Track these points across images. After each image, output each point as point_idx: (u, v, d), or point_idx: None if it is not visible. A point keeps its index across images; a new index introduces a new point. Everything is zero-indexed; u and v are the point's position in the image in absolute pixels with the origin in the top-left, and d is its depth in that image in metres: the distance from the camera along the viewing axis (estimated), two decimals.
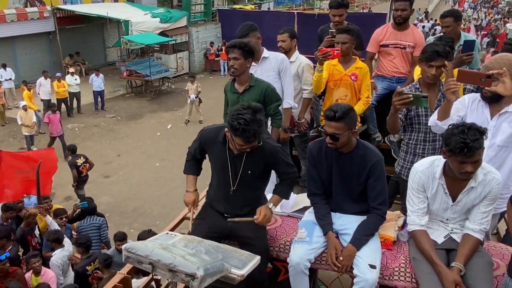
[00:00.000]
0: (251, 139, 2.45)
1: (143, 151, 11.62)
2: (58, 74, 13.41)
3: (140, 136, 12.62)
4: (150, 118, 14.31)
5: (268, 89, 3.40)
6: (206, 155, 2.89)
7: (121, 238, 5.55)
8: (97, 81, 14.11)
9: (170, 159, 10.98)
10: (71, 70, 14.21)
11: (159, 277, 2.04)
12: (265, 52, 3.85)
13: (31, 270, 5.04)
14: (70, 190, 9.50)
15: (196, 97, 13.17)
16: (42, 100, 12.92)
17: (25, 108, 10.75)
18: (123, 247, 2.09)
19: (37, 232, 5.95)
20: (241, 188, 2.72)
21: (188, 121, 13.50)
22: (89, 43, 19.08)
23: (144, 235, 5.38)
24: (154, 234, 5.41)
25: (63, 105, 13.37)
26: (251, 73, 3.46)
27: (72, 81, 13.51)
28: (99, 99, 14.48)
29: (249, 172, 2.66)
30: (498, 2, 44.69)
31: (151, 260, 2.01)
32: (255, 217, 2.62)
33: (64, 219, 6.14)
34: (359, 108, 3.89)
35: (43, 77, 12.92)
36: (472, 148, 2.17)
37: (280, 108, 3.56)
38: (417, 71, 3.84)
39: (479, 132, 2.19)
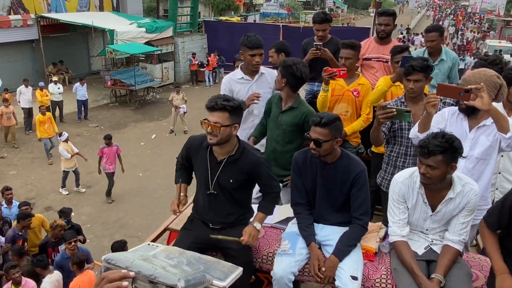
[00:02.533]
0: (220, 102, 2.50)
1: (126, 161, 11.43)
2: (41, 83, 13.22)
3: (124, 146, 12.44)
4: (134, 128, 14.19)
5: (309, 115, 3.26)
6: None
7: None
8: (82, 90, 13.95)
9: (153, 169, 10.88)
10: (54, 78, 14.05)
11: None
12: (261, 68, 3.80)
13: (10, 281, 4.92)
14: (51, 200, 9.34)
15: (181, 108, 13.14)
16: (22, 108, 12.73)
17: (67, 140, 9.47)
18: (102, 258, 2.05)
19: (62, 247, 5.74)
20: (223, 197, 2.71)
21: (173, 131, 13.44)
22: (73, 51, 18.90)
23: (118, 245, 5.30)
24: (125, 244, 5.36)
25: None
26: (298, 94, 3.42)
27: (54, 90, 13.35)
28: (83, 108, 14.33)
29: (231, 181, 2.66)
30: (481, 17, 46.00)
31: (131, 271, 1.97)
32: (241, 238, 2.62)
33: (73, 243, 5.44)
34: (358, 124, 3.88)
35: (23, 85, 12.74)
36: (427, 149, 2.26)
37: None
38: (380, 81, 3.85)
39: (447, 143, 2.26)
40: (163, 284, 1.92)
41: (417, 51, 4.78)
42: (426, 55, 4.21)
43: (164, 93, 17.77)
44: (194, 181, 2.98)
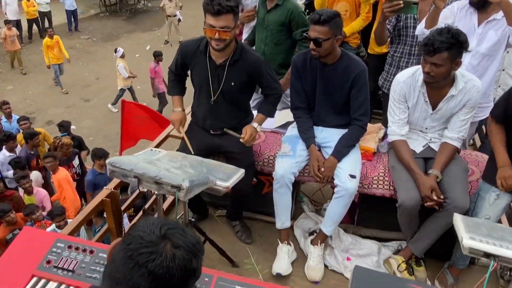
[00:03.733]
0: (224, 4, 2.29)
1: None
2: None
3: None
4: (127, 39, 13.74)
5: (295, 11, 3.12)
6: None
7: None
8: None
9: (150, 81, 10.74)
10: None
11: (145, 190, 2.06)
12: None
13: (23, 190, 5.10)
14: (51, 114, 9.37)
15: (176, 14, 12.59)
16: (10, 20, 12.18)
17: (123, 55, 8.96)
18: (107, 161, 2.09)
19: (76, 162, 5.90)
20: (224, 101, 2.68)
21: (167, 41, 13.03)
22: None
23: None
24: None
25: (34, 26, 12.68)
26: None
27: (41, 0, 12.67)
28: (72, 19, 13.73)
29: (232, 84, 2.60)
30: None
31: (136, 173, 2.02)
32: (241, 135, 2.62)
33: (102, 160, 5.41)
34: (357, 24, 3.72)
35: None
36: (433, 46, 2.18)
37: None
38: None
39: (453, 38, 2.17)
40: (168, 184, 1.98)
41: None
42: None
43: (156, 0, 16.88)
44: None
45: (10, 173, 5.58)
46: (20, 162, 5.48)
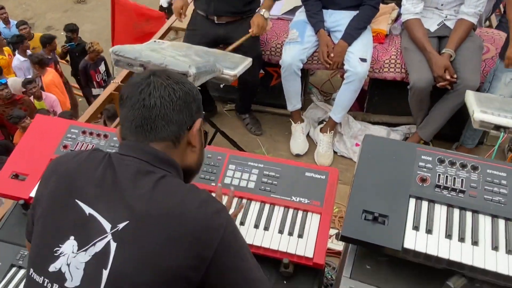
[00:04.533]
0: None
1: None
2: None
3: None
4: None
5: None
6: None
7: None
8: None
9: None
10: None
11: None
12: None
13: (32, 96, 5.09)
14: (49, 19, 9.06)
15: None
16: None
17: None
18: (110, 50, 2.04)
19: (102, 68, 5.77)
20: None
21: None
22: None
23: None
24: None
25: None
26: None
27: None
28: None
29: None
30: None
31: (141, 61, 1.97)
32: (249, 30, 2.53)
33: None
34: None
35: None
36: None
37: None
38: None
39: None
40: (174, 71, 1.94)
41: None
42: None
43: None
44: None
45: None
46: None
